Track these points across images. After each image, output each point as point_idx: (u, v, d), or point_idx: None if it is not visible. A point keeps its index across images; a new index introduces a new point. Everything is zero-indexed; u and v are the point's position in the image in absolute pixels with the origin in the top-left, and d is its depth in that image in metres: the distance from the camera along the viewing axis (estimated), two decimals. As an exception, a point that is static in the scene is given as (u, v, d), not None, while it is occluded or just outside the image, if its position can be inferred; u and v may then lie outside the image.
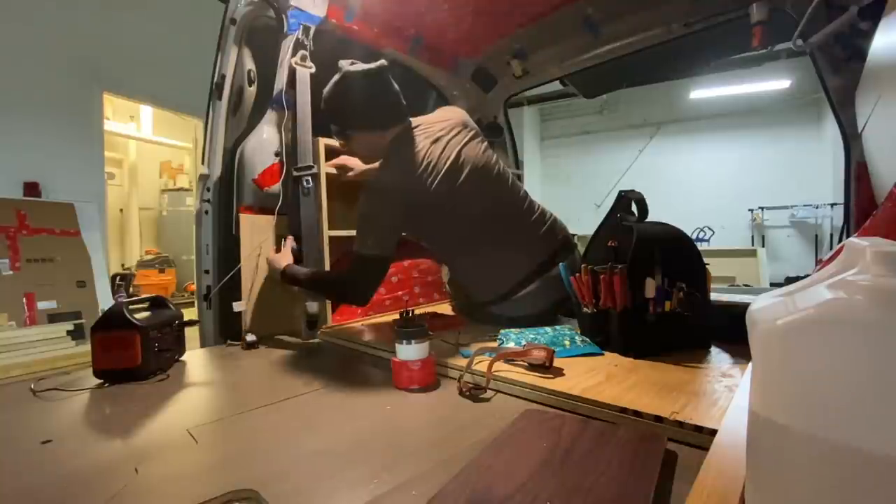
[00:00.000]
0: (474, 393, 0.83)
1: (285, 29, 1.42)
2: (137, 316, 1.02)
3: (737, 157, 6.81)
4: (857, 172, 1.23)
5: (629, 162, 7.41)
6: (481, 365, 0.87)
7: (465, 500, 0.47)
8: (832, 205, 5.99)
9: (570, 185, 7.97)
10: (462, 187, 1.21)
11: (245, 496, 0.52)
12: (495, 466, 0.53)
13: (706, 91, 6.41)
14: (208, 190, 1.44)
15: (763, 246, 6.05)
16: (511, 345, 1.00)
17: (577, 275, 1.05)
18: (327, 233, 1.42)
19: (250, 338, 1.28)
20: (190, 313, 1.29)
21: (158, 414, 0.81)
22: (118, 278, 4.19)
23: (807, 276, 0.40)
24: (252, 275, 1.39)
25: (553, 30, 1.81)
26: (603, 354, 0.97)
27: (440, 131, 1.25)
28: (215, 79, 1.45)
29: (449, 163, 1.20)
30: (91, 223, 3.25)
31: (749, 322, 0.34)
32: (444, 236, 1.29)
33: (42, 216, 3.02)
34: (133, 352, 0.96)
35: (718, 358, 0.92)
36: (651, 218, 1.08)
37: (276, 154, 1.44)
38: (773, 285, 4.57)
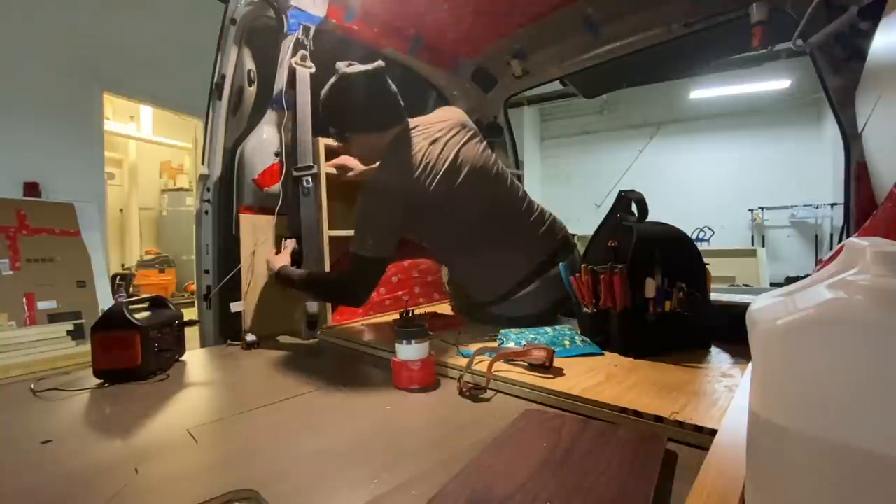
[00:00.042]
0: (474, 393, 0.83)
1: (285, 29, 1.42)
2: (137, 316, 1.02)
3: (737, 157, 6.81)
4: (857, 172, 1.23)
5: (629, 162, 7.41)
6: (481, 365, 0.87)
7: (465, 500, 0.47)
8: (832, 205, 5.99)
9: (570, 185, 7.97)
10: (461, 188, 1.21)
11: (245, 496, 0.52)
12: (495, 466, 0.53)
13: (706, 91, 6.41)
14: (208, 190, 1.44)
15: (763, 246, 6.05)
16: (511, 345, 1.00)
17: (577, 275, 1.05)
18: (327, 233, 1.42)
19: (250, 338, 1.28)
20: (190, 313, 1.29)
21: (158, 414, 0.81)
22: (118, 278, 4.19)
23: (807, 276, 0.40)
24: (251, 275, 1.39)
25: (553, 30, 1.81)
26: (603, 354, 0.97)
27: (439, 132, 1.25)
28: (215, 79, 1.45)
29: (447, 163, 1.20)
30: (91, 223, 3.25)
31: (749, 322, 0.34)
32: (442, 237, 1.29)
33: (42, 216, 3.02)
34: (133, 352, 0.96)
35: (718, 358, 0.92)
36: (651, 218, 1.08)
37: (276, 154, 1.44)
38: (773, 285, 4.57)
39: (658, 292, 0.94)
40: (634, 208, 1.09)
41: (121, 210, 6.04)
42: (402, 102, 1.25)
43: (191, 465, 0.62)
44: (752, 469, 0.36)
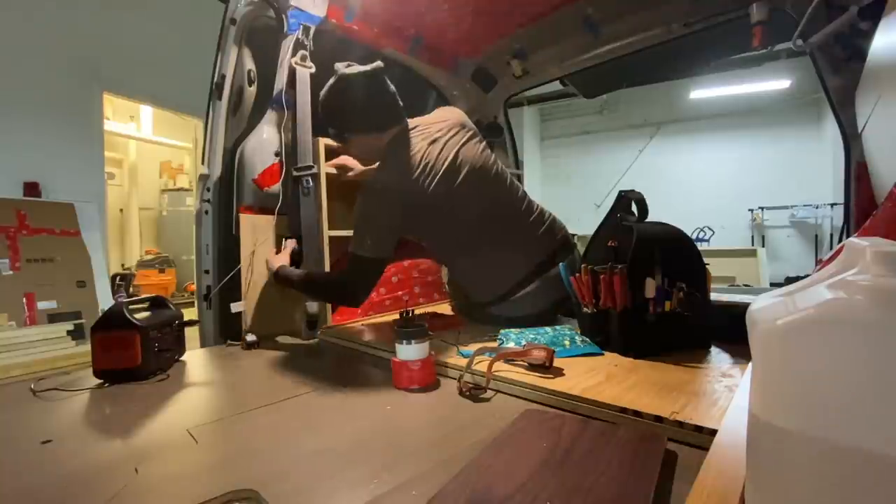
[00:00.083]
0: (474, 393, 0.83)
1: (285, 29, 1.42)
2: (137, 316, 1.02)
3: (737, 157, 6.81)
4: (857, 172, 1.23)
5: (629, 162, 7.41)
6: (481, 365, 0.87)
7: (465, 500, 0.47)
8: (832, 205, 5.99)
9: (570, 185, 7.97)
10: (460, 188, 1.21)
11: (245, 496, 0.52)
12: (495, 466, 0.53)
13: (706, 91, 6.41)
14: (208, 190, 1.44)
15: (763, 246, 6.05)
16: (511, 345, 1.00)
17: (577, 275, 1.05)
18: (327, 233, 1.42)
19: (250, 338, 1.28)
20: (190, 313, 1.29)
21: (158, 414, 0.81)
22: (118, 278, 4.19)
23: (807, 276, 0.40)
24: (251, 275, 1.39)
25: (553, 30, 1.81)
26: (603, 354, 0.97)
27: (438, 132, 1.25)
28: (215, 79, 1.45)
29: (447, 164, 1.20)
30: (91, 223, 3.25)
31: (749, 322, 0.34)
32: (442, 237, 1.29)
33: (42, 216, 3.02)
34: (133, 352, 0.96)
35: (718, 358, 0.92)
36: (651, 218, 1.08)
37: (276, 154, 1.44)
38: (773, 285, 4.57)
39: (658, 292, 0.94)
40: (634, 208, 1.09)
41: (121, 210, 6.04)
42: (400, 103, 1.25)
43: (191, 465, 0.62)
44: (752, 469, 0.36)
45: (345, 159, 1.47)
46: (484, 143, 1.34)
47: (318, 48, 1.47)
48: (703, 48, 1.82)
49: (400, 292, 1.76)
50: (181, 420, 0.78)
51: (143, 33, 3.90)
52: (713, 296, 1.04)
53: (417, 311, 1.50)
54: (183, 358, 1.14)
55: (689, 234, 1.06)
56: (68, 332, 2.64)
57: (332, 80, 1.22)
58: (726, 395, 0.71)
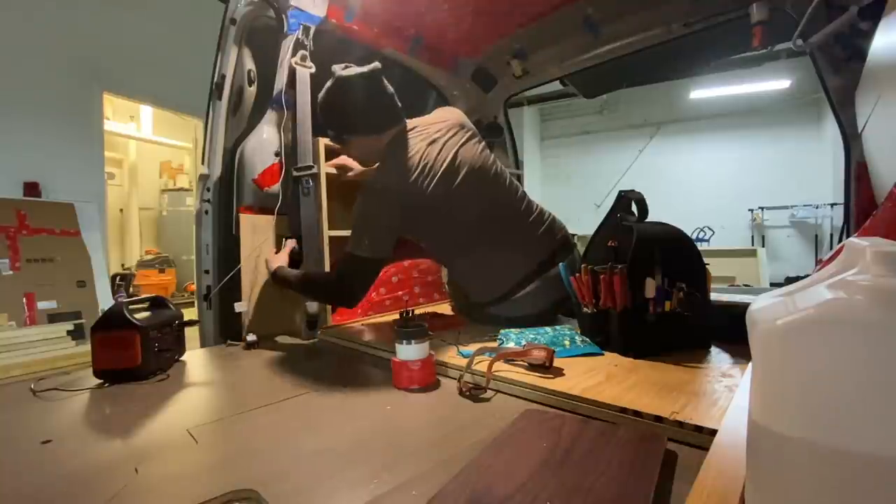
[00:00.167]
0: (474, 393, 0.83)
1: (285, 29, 1.42)
2: (137, 316, 1.01)
3: (737, 157, 6.82)
4: (857, 172, 1.23)
5: (629, 162, 7.41)
6: (481, 365, 0.87)
7: (465, 500, 0.47)
8: (832, 205, 5.99)
9: (570, 185, 7.98)
10: (459, 189, 1.20)
11: (245, 496, 0.52)
12: (495, 466, 0.53)
13: (706, 91, 6.41)
14: (208, 190, 1.44)
15: (763, 246, 6.05)
16: (511, 345, 1.00)
17: (577, 275, 1.05)
18: (327, 233, 1.42)
19: (251, 338, 1.28)
20: (190, 313, 1.29)
21: (158, 414, 0.81)
22: (118, 278, 4.19)
23: (807, 276, 0.40)
24: (252, 275, 1.39)
25: (553, 30, 1.81)
26: (603, 354, 0.97)
27: (437, 132, 1.25)
28: (215, 79, 1.45)
29: (445, 164, 1.20)
30: (91, 223, 3.25)
31: (749, 322, 0.34)
32: (441, 238, 1.29)
33: (42, 216, 3.02)
34: (133, 352, 0.96)
35: (718, 358, 0.92)
36: (651, 218, 1.08)
37: (276, 154, 1.44)
38: (773, 285, 4.57)
39: (658, 292, 0.94)
40: (634, 208, 1.09)
41: (121, 210, 6.04)
42: (399, 103, 1.25)
43: (191, 465, 0.62)
44: (751, 469, 0.36)
45: (344, 159, 1.47)
46: (483, 143, 1.34)
47: (318, 48, 1.47)
48: (703, 48, 1.82)
49: (400, 292, 1.76)
50: (181, 420, 0.78)
51: (143, 33, 3.90)
52: (713, 296, 1.04)
53: (417, 311, 1.51)
54: (183, 358, 1.14)
55: (689, 234, 1.06)
56: (68, 332, 2.64)
57: (329, 83, 1.22)
58: (726, 395, 0.71)
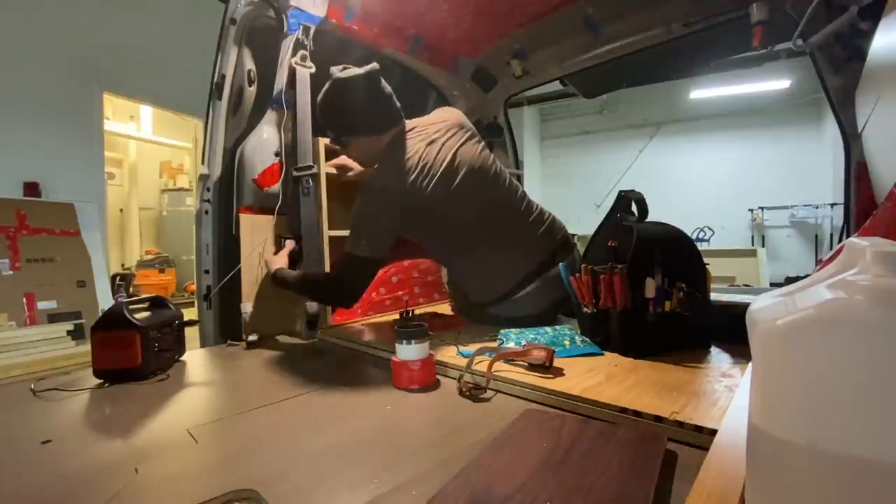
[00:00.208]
0: (474, 393, 0.83)
1: (285, 29, 1.42)
2: (137, 316, 1.01)
3: (737, 157, 6.81)
4: (857, 172, 1.23)
5: (629, 162, 7.41)
6: (481, 365, 0.87)
7: (465, 500, 0.47)
8: (832, 205, 5.99)
9: (570, 185, 7.98)
10: (458, 189, 1.20)
11: (245, 496, 0.52)
12: (495, 466, 0.53)
13: (706, 91, 6.41)
14: (208, 190, 1.44)
15: (763, 246, 6.05)
16: (511, 345, 1.00)
17: (577, 275, 1.05)
18: (327, 233, 1.42)
19: (252, 337, 1.28)
20: (190, 313, 1.29)
21: (158, 414, 0.81)
22: (118, 278, 4.19)
23: (807, 276, 0.40)
24: (252, 275, 1.39)
25: (553, 30, 1.81)
26: (603, 354, 0.97)
27: (436, 133, 1.25)
28: (215, 79, 1.46)
29: (445, 165, 1.20)
30: (91, 223, 3.25)
31: (749, 322, 0.34)
32: (441, 238, 1.29)
33: (42, 216, 3.02)
34: (133, 352, 0.96)
35: (718, 358, 0.92)
36: (651, 218, 1.08)
37: (276, 154, 1.44)
38: (773, 285, 4.57)
39: (658, 292, 0.94)
40: (634, 208, 1.09)
41: (121, 210, 6.04)
42: (398, 104, 1.25)
43: (191, 465, 0.62)
44: (751, 470, 0.36)
45: (344, 159, 1.47)
46: (482, 143, 1.34)
47: (318, 48, 1.47)
48: (703, 48, 1.82)
49: (400, 292, 1.76)
50: (181, 420, 0.78)
51: (143, 33, 3.90)
52: (713, 296, 1.04)
53: (417, 311, 1.51)
54: (183, 358, 1.14)
55: (689, 234, 1.06)
56: (68, 332, 2.64)
57: (327, 85, 1.22)
58: (726, 395, 0.71)
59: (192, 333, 1.21)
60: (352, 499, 0.51)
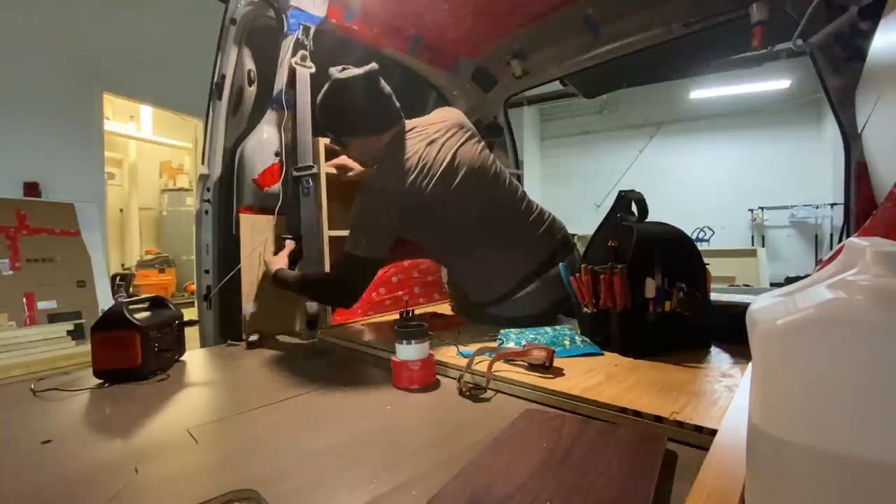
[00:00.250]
0: (474, 393, 0.83)
1: (285, 29, 1.42)
2: (137, 316, 1.01)
3: (737, 157, 6.82)
4: (857, 172, 1.23)
5: (629, 162, 7.41)
6: (481, 365, 0.87)
7: (465, 500, 0.47)
8: (832, 205, 5.99)
9: (570, 185, 7.98)
10: (458, 189, 1.20)
11: (245, 496, 0.52)
12: (495, 466, 0.53)
13: (706, 91, 6.41)
14: (208, 190, 1.44)
15: (763, 246, 6.05)
16: (511, 345, 1.00)
17: (577, 275, 1.05)
18: (327, 233, 1.42)
19: (253, 337, 1.28)
20: (190, 313, 1.29)
21: (158, 414, 0.81)
22: (118, 278, 4.19)
23: (807, 276, 0.40)
24: (252, 275, 1.39)
25: (553, 30, 1.81)
26: (603, 354, 0.97)
27: (436, 133, 1.25)
28: (215, 79, 1.45)
29: (444, 165, 1.20)
30: (91, 223, 3.25)
31: (749, 322, 0.34)
32: (440, 238, 1.29)
33: (42, 216, 3.02)
34: (133, 352, 0.96)
35: (718, 358, 0.92)
36: (651, 218, 1.08)
37: (276, 154, 1.44)
38: (773, 285, 4.57)
39: (658, 292, 0.94)
40: (634, 208, 1.09)
41: (121, 210, 6.04)
42: (397, 104, 1.25)
43: (191, 465, 0.62)
44: (751, 470, 0.36)
45: (344, 159, 1.47)
46: (482, 143, 1.34)
47: (318, 48, 1.47)
48: (703, 48, 1.82)
49: (400, 292, 1.76)
50: (181, 420, 0.78)
51: (143, 33, 3.90)
52: (713, 296, 1.04)
53: (417, 311, 1.51)
54: (183, 358, 1.14)
55: (689, 234, 1.06)
56: (68, 332, 2.64)
57: (326, 86, 1.22)
58: (726, 395, 0.71)
59: (192, 333, 1.21)
60: (352, 499, 0.51)
